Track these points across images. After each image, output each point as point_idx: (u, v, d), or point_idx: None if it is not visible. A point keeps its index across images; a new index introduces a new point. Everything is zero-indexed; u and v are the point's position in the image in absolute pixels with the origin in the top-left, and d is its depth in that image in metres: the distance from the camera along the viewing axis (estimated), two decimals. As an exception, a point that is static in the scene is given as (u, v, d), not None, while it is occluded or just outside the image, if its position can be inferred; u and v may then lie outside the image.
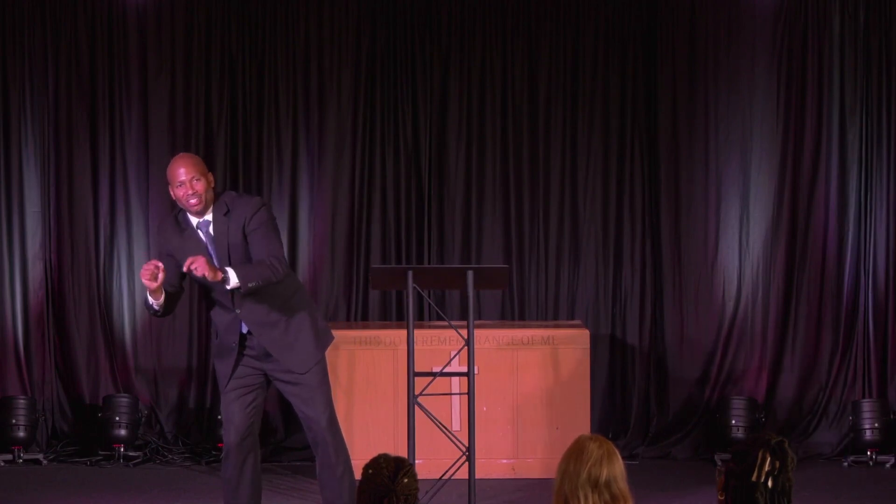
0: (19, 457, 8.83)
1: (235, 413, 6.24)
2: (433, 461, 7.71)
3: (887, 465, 8.75)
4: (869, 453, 8.82)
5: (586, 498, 3.62)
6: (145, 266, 5.96)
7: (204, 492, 8.13)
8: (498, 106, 9.34)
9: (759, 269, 9.25)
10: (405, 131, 9.30)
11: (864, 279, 9.19)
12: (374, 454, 3.85)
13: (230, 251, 6.09)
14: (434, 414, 7.24)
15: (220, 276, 5.91)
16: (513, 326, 8.82)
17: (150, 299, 6.07)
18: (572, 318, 9.23)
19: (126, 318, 9.24)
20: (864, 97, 9.18)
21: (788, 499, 3.73)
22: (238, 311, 6.14)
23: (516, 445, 8.45)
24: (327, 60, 9.27)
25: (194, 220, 6.15)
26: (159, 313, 6.17)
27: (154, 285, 5.94)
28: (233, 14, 9.25)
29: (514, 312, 9.33)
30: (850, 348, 9.20)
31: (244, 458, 6.28)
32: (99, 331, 9.21)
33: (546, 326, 8.76)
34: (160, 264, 5.94)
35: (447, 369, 7.67)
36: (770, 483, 3.70)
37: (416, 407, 7.07)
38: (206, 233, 6.13)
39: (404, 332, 7.22)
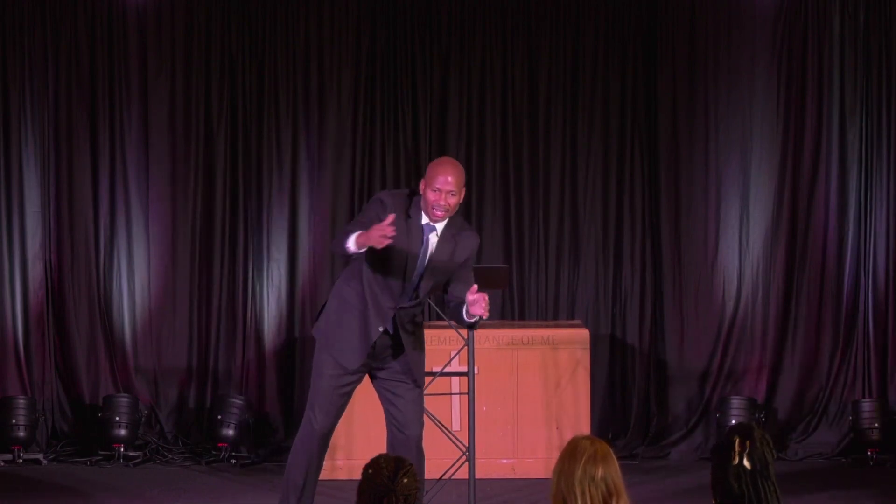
0: (19, 457, 8.83)
1: (337, 406, 6.18)
2: (433, 461, 7.70)
3: (887, 465, 8.75)
4: (869, 453, 8.82)
5: (583, 494, 3.63)
6: (374, 229, 5.76)
7: (204, 492, 8.13)
8: (498, 106, 9.34)
9: (759, 269, 9.25)
10: (405, 131, 9.31)
11: (864, 279, 9.19)
12: (375, 454, 3.85)
13: (438, 272, 6.07)
14: (434, 414, 7.25)
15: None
16: (513, 326, 8.82)
17: (352, 245, 5.85)
18: (572, 318, 9.23)
19: (126, 318, 9.24)
20: (864, 97, 9.19)
21: (772, 480, 3.72)
22: (399, 309, 6.09)
23: (516, 445, 8.45)
24: (327, 60, 9.27)
25: (424, 219, 6.05)
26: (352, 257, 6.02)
27: (383, 244, 5.77)
28: (233, 14, 9.25)
29: (514, 312, 9.33)
30: (850, 348, 9.20)
31: (325, 449, 6.27)
32: (99, 331, 9.21)
33: (546, 326, 8.76)
34: (390, 227, 5.76)
35: (447, 369, 7.68)
36: (747, 463, 3.71)
37: (416, 407, 7.07)
38: (426, 239, 6.04)
39: (404, 332, 7.21)
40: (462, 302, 6.00)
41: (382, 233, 5.73)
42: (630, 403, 9.27)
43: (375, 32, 9.28)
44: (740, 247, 9.27)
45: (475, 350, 7.27)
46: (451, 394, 8.17)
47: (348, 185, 9.27)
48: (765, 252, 9.25)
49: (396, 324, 6.10)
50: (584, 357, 8.49)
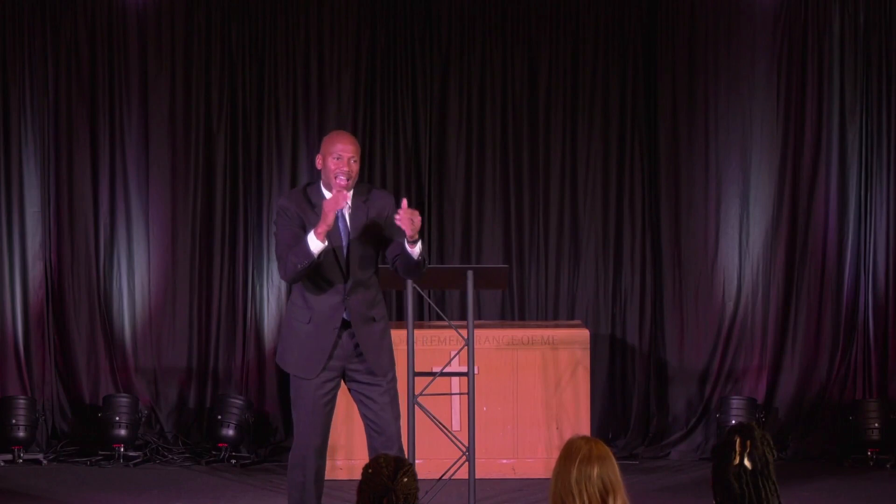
0: (19, 457, 8.84)
1: (321, 417, 6.15)
2: (433, 461, 7.71)
3: (887, 465, 8.75)
4: (869, 453, 8.82)
5: (580, 493, 3.63)
6: (329, 200, 5.86)
7: (204, 492, 8.13)
8: (498, 106, 9.34)
9: (759, 269, 9.25)
10: (405, 131, 9.30)
11: (864, 279, 9.19)
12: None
13: (364, 237, 6.05)
14: (434, 414, 7.25)
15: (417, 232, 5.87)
16: (513, 326, 8.82)
17: (314, 245, 5.88)
18: (572, 318, 9.23)
19: (126, 318, 9.24)
20: (864, 97, 9.18)
21: (772, 480, 3.73)
22: (346, 297, 6.05)
23: (516, 445, 8.45)
24: (327, 60, 9.27)
25: (328, 197, 6.05)
26: (308, 267, 5.96)
27: (343, 203, 5.87)
28: (233, 14, 9.25)
29: (514, 312, 9.33)
30: (850, 348, 9.20)
31: (323, 464, 6.23)
32: (99, 331, 9.21)
33: (546, 326, 8.76)
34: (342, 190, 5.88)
35: (447, 369, 7.67)
36: (748, 463, 3.71)
37: (416, 407, 7.08)
38: (340, 213, 6.04)
39: (404, 331, 7.22)
40: (404, 254, 5.99)
41: (335, 205, 5.84)
42: (630, 403, 9.27)
43: (375, 32, 9.28)
44: (740, 247, 9.27)
45: (475, 350, 7.27)
46: (451, 394, 8.17)
47: (348, 185, 9.26)
48: (765, 252, 9.25)
49: (351, 315, 6.06)
50: (584, 357, 8.49)
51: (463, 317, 8.09)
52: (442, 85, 9.33)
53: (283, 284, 9.22)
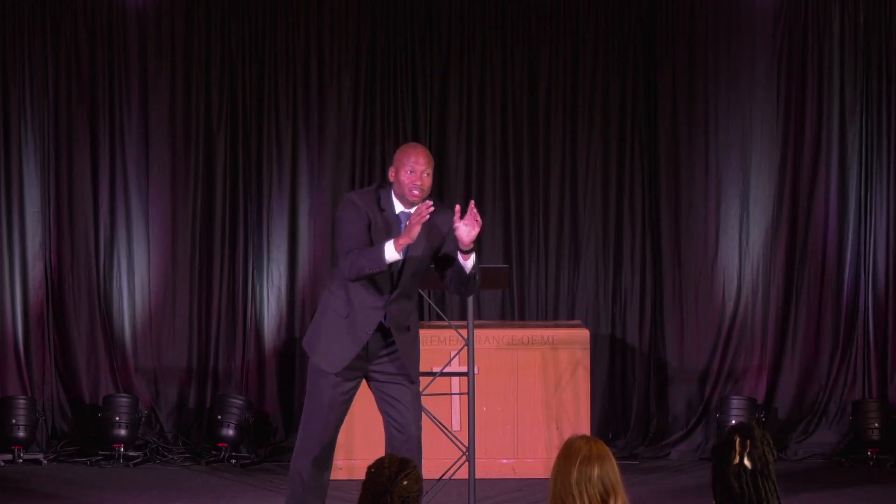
0: (19, 457, 8.84)
1: (337, 415, 6.13)
2: (433, 461, 7.71)
3: (887, 465, 8.75)
4: (869, 453, 8.82)
5: (581, 494, 3.63)
6: (414, 217, 5.78)
7: (204, 492, 8.13)
8: (498, 106, 9.34)
9: (759, 269, 9.25)
10: (405, 131, 9.30)
11: (864, 279, 9.19)
12: (375, 454, 3.85)
13: (421, 251, 6.02)
14: (434, 414, 7.25)
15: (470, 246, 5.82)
16: (513, 326, 8.82)
17: (393, 256, 5.87)
18: (572, 318, 9.23)
19: (126, 318, 9.24)
20: (864, 97, 9.19)
21: (772, 479, 3.72)
22: (388, 305, 6.04)
23: (516, 445, 8.45)
24: (327, 60, 9.27)
25: (398, 208, 6.05)
26: (376, 273, 5.94)
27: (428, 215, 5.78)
28: (233, 14, 9.25)
29: (514, 312, 9.33)
30: (850, 348, 9.20)
31: (331, 461, 6.23)
32: (99, 331, 9.21)
33: (546, 326, 8.76)
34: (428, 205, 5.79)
35: (447, 369, 7.68)
36: (748, 463, 3.71)
37: (416, 407, 7.07)
38: (403, 227, 6.00)
39: (404, 332, 7.20)
40: (456, 268, 5.96)
41: (420, 218, 5.76)
42: (630, 403, 9.27)
43: (375, 32, 9.28)
44: (740, 247, 9.27)
45: (475, 350, 7.27)
46: (451, 394, 8.17)
47: (348, 185, 9.26)
48: (765, 252, 9.25)
49: (389, 321, 6.07)
50: (584, 357, 8.49)
51: (463, 317, 8.09)
52: (442, 85, 9.33)
53: (284, 284, 9.23)
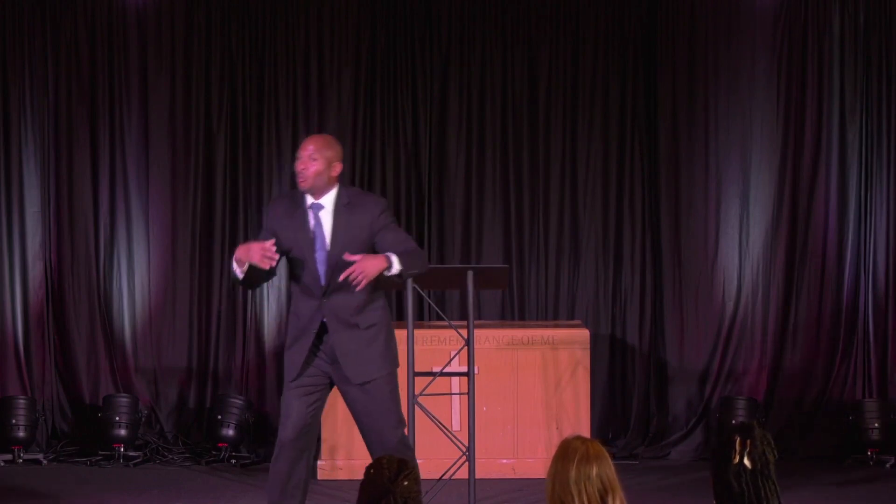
0: (19, 457, 8.84)
1: (294, 409, 5.99)
2: (433, 461, 7.71)
3: (887, 465, 8.75)
4: (869, 453, 8.82)
5: (580, 494, 3.63)
6: (255, 246, 5.78)
7: (204, 491, 8.13)
8: (498, 106, 9.34)
9: (759, 269, 9.25)
10: (405, 131, 9.31)
11: (864, 279, 9.19)
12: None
13: (346, 244, 5.91)
14: (434, 414, 7.25)
15: (384, 264, 5.77)
16: (513, 326, 8.82)
17: (235, 266, 5.89)
18: (572, 318, 9.23)
19: (126, 318, 9.24)
20: (864, 97, 9.19)
21: (772, 479, 3.72)
22: (323, 300, 5.95)
23: (516, 445, 8.45)
24: (327, 60, 9.27)
25: (309, 200, 6.01)
26: (241, 282, 5.94)
27: (267, 265, 5.77)
28: (233, 14, 9.26)
29: (514, 312, 9.33)
30: (850, 348, 9.20)
31: (297, 457, 6.02)
32: (99, 331, 9.21)
33: (546, 326, 8.76)
34: (271, 247, 5.77)
35: (447, 369, 7.67)
36: (748, 463, 3.71)
37: (416, 407, 7.08)
38: (316, 216, 5.98)
39: (404, 331, 7.21)
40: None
41: (263, 252, 5.74)
42: (630, 403, 9.27)
43: (375, 32, 9.28)
44: (740, 247, 9.27)
45: (475, 350, 7.27)
46: (451, 394, 8.17)
47: (348, 184, 9.23)
48: (765, 252, 9.25)
49: (329, 317, 5.95)
50: (584, 357, 8.49)
51: (463, 317, 8.10)
52: (442, 85, 9.33)
53: (283, 284, 9.23)
